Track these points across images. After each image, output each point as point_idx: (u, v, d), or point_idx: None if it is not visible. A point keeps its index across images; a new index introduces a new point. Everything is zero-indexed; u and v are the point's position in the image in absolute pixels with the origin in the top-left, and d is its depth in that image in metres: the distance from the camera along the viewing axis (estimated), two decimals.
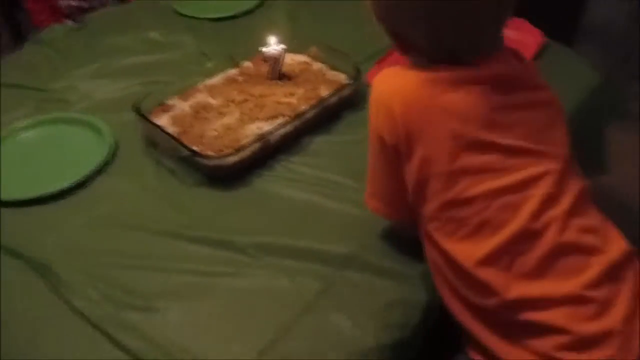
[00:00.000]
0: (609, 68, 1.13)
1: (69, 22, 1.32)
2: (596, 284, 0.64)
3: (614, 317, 0.63)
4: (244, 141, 0.89)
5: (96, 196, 0.87)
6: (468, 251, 0.65)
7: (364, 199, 0.76)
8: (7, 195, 0.84)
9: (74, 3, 1.55)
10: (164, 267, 0.76)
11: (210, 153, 0.87)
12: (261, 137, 0.88)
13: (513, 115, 0.66)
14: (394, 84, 0.66)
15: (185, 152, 0.87)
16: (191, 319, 0.70)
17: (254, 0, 1.35)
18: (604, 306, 0.64)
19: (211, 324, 0.70)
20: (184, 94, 1.01)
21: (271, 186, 0.88)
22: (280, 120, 0.93)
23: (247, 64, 1.08)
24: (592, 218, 0.68)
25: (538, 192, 0.64)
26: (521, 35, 1.04)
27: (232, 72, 1.07)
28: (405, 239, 0.77)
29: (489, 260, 0.64)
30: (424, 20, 0.62)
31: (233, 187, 0.88)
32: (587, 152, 0.89)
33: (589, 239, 0.66)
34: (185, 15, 1.33)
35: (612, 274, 0.65)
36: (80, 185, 0.87)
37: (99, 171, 0.90)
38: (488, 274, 0.64)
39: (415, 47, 0.65)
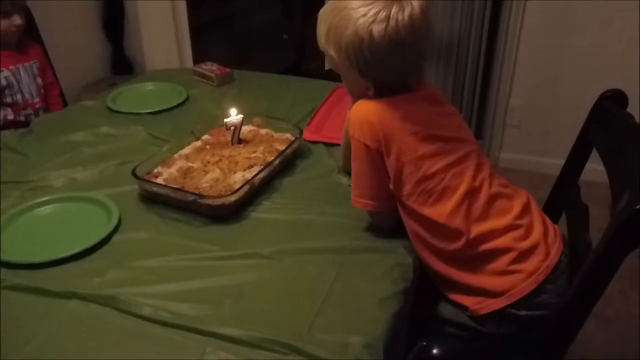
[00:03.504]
0: None
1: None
2: (520, 216, 0.97)
3: (536, 235, 0.97)
4: (236, 186, 1.11)
5: (122, 246, 1.01)
6: (439, 210, 0.95)
7: (350, 203, 1.03)
8: (54, 255, 0.96)
9: (10, 117, 1.65)
10: (208, 281, 0.92)
11: (214, 194, 1.07)
12: (250, 180, 1.11)
13: (442, 118, 1.00)
14: (368, 106, 0.96)
15: (192, 198, 1.06)
16: (249, 308, 0.87)
17: (182, 97, 1.60)
18: (528, 229, 0.97)
19: (266, 307, 0.88)
20: (165, 161, 1.20)
21: (265, 215, 1.10)
22: (255, 170, 1.17)
23: (206, 136, 1.32)
24: (502, 179, 1.03)
25: (471, 163, 0.98)
26: None
27: (197, 143, 1.29)
28: (383, 228, 1.04)
29: (454, 212, 0.94)
30: (400, 69, 0.95)
31: (235, 221, 1.08)
32: None
33: (506, 190, 1.00)
34: (125, 113, 1.52)
35: (526, 209, 0.99)
36: (105, 241, 1.01)
37: (115, 229, 1.04)
38: (456, 222, 0.94)
39: (384, 85, 0.96)
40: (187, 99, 1.62)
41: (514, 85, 2.53)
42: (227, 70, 1.75)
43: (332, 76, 1.99)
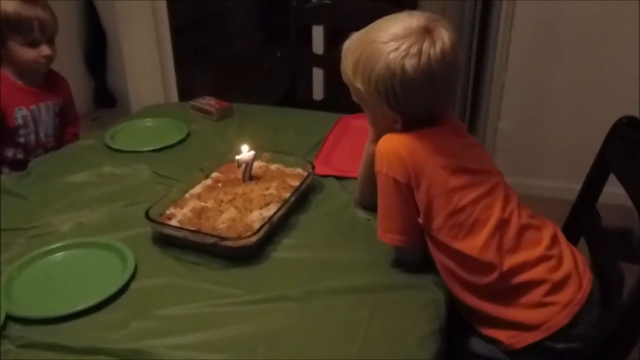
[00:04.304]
0: None
1: (6, 171, 1.37)
2: (550, 246, 0.96)
3: (567, 265, 0.96)
4: (254, 225, 1.07)
5: (142, 294, 0.96)
6: (471, 244, 0.93)
7: (372, 238, 1.01)
8: (71, 308, 0.90)
9: (20, 156, 1.58)
10: (238, 329, 0.88)
11: (234, 235, 1.04)
12: (269, 219, 1.08)
13: (468, 150, 1.00)
14: (397, 140, 0.95)
15: (213, 240, 1.02)
16: (286, 355, 0.84)
17: (183, 133, 1.57)
18: (559, 259, 0.96)
19: (303, 353, 0.84)
20: (177, 202, 1.16)
21: (286, 254, 1.07)
22: (272, 207, 1.14)
23: (216, 174, 1.28)
24: (529, 209, 1.02)
25: (500, 195, 0.97)
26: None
27: (207, 182, 1.25)
28: (409, 263, 1.02)
29: (486, 245, 0.93)
30: (430, 102, 0.95)
31: (256, 262, 1.04)
32: None
33: (534, 221, 0.99)
34: (126, 151, 1.48)
35: (555, 240, 0.99)
36: (123, 289, 0.96)
37: (132, 276, 0.99)
38: (489, 255, 0.93)
39: (412, 117, 0.96)
40: (188, 134, 1.58)
41: (502, 109, 2.57)
42: (226, 104, 1.72)
43: (326, 106, 2.00)
